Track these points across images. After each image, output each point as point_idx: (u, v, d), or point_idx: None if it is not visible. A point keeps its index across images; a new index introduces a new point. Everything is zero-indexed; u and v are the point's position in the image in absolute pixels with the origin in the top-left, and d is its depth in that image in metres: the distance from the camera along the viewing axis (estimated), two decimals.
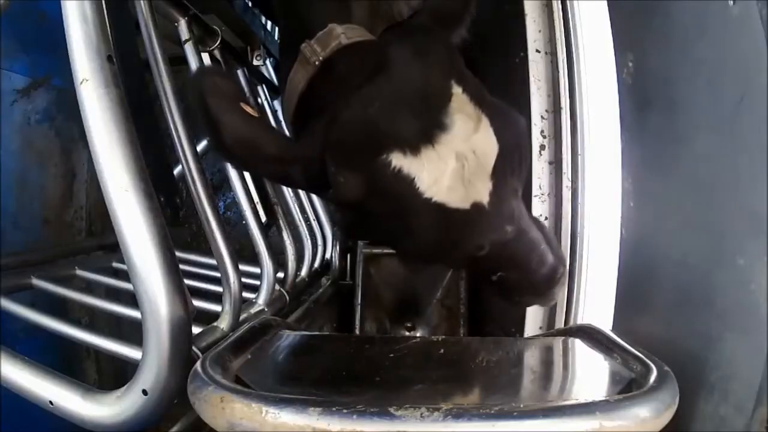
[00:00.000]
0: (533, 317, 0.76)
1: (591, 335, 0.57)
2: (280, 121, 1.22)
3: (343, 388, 0.46)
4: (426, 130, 0.51)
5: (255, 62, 1.17)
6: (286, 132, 0.92)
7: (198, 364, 0.43)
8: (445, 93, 0.52)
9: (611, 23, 0.69)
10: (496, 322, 1.08)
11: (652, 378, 0.40)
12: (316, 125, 0.56)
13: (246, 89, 1.07)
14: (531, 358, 0.57)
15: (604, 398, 0.36)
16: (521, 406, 0.35)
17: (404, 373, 0.53)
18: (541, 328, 0.73)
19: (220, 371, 0.42)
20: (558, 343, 0.59)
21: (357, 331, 1.14)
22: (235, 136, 0.54)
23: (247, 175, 0.86)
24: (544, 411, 0.35)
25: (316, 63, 0.60)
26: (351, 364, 0.53)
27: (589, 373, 0.52)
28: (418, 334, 1.12)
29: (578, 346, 0.57)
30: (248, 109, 0.55)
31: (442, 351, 0.56)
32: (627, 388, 0.43)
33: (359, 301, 1.17)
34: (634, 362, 0.46)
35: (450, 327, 1.14)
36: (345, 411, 0.35)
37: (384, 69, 0.53)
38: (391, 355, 0.54)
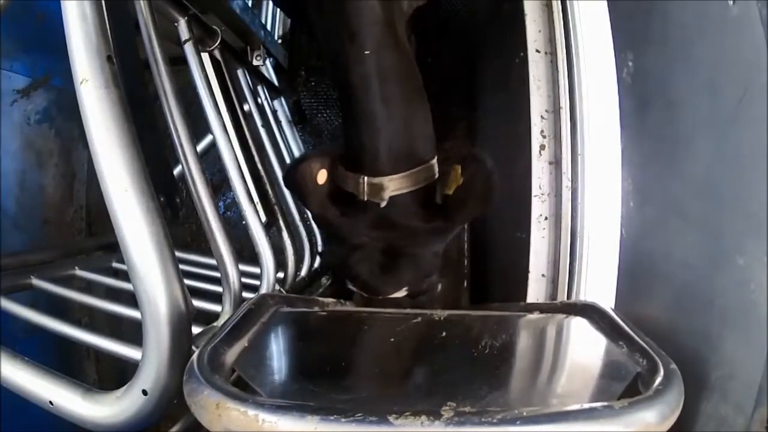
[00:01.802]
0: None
1: (596, 316, 0.56)
2: (280, 122, 1.23)
3: (342, 382, 0.45)
4: None
5: (255, 62, 1.17)
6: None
7: (194, 359, 0.42)
8: None
9: (611, 23, 0.69)
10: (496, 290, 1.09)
11: (659, 379, 0.40)
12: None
13: (246, 90, 1.07)
14: (535, 344, 0.56)
15: (608, 403, 0.36)
16: (524, 413, 0.35)
17: (404, 362, 0.52)
18: None
19: (216, 369, 0.42)
20: (563, 323, 0.58)
21: None
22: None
23: (247, 175, 0.86)
24: (548, 417, 0.35)
25: (358, 198, 0.67)
26: (351, 352, 0.52)
27: (594, 365, 0.51)
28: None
29: (584, 328, 0.56)
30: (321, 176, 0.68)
31: (444, 334, 0.55)
32: (632, 382, 0.43)
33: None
34: (640, 355, 0.45)
35: (452, 298, 1.14)
36: (343, 419, 0.35)
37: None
38: (392, 339, 0.53)
